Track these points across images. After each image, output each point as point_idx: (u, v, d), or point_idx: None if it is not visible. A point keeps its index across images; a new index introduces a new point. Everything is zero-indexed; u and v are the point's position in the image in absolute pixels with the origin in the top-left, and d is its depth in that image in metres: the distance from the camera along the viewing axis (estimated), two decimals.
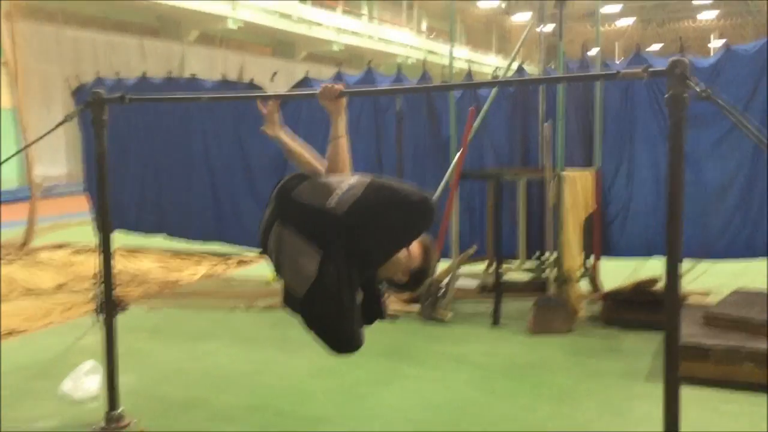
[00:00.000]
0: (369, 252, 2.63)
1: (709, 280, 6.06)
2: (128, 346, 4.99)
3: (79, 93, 7.88)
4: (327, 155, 3.03)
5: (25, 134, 9.53)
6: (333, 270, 2.52)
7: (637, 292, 5.46)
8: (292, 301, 2.65)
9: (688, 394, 3.64)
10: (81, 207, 10.49)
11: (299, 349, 4.92)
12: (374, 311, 2.89)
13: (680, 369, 2.63)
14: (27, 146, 7.58)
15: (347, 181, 2.71)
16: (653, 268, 5.88)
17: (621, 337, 5.18)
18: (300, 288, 2.55)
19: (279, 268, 2.69)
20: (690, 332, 4.29)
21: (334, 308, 2.50)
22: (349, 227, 2.58)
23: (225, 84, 7.38)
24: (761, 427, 3.54)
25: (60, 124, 3.59)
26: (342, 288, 2.52)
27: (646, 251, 6.10)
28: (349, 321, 2.53)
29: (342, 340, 2.54)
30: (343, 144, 3.01)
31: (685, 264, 5.79)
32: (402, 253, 2.85)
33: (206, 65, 22.15)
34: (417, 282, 2.95)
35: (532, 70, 8.91)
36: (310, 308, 2.54)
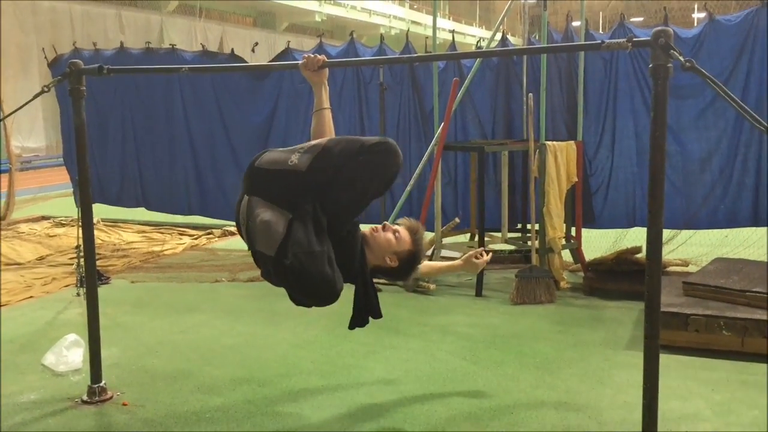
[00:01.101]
0: (339, 202, 2.66)
1: (690, 249, 6.14)
2: (111, 319, 4.99)
3: (57, 64, 7.75)
4: (312, 127, 3.03)
5: (2, 106, 9.37)
6: (299, 224, 2.56)
7: (619, 262, 5.52)
8: (266, 266, 2.67)
9: (667, 362, 3.71)
10: (61, 179, 10.41)
11: (284, 321, 4.94)
12: (371, 307, 2.93)
13: (660, 337, 2.67)
14: (4, 117, 7.46)
15: (307, 144, 2.75)
16: (635, 238, 5.95)
17: (602, 307, 5.24)
18: (271, 249, 2.58)
19: (250, 238, 2.70)
20: (670, 301, 4.34)
21: (305, 256, 2.51)
22: (314, 181, 2.63)
23: (205, 55, 7.29)
24: (739, 394, 3.61)
25: (37, 95, 3.53)
26: (310, 237, 2.54)
27: (629, 222, 6.16)
28: (322, 264, 2.52)
29: (319, 286, 2.53)
30: (328, 115, 3.01)
31: (666, 233, 5.85)
32: (389, 236, 2.90)
33: (186, 36, 21.85)
34: (408, 267, 2.97)
35: (516, 41, 8.87)
36: (282, 263, 2.55)
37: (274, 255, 2.58)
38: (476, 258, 3.21)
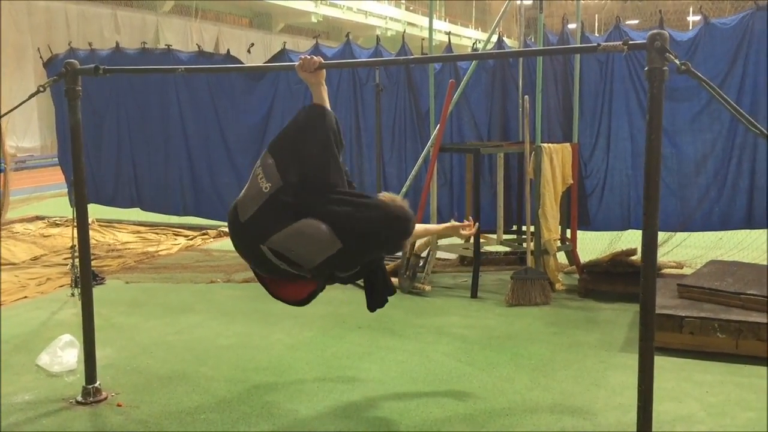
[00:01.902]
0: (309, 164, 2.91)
1: (685, 251, 6.16)
2: (106, 320, 4.98)
3: (52, 64, 7.73)
4: None
5: None
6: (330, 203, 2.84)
7: (614, 264, 5.52)
8: (329, 269, 2.87)
9: (662, 364, 3.73)
10: (56, 179, 10.38)
11: (279, 322, 4.93)
12: (387, 284, 3.06)
13: (655, 339, 2.68)
14: None
15: (255, 167, 2.91)
16: (630, 240, 5.96)
17: (597, 309, 5.25)
18: (333, 244, 2.80)
19: (299, 262, 2.83)
20: (664, 303, 4.35)
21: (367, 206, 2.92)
22: (295, 181, 2.85)
23: (201, 56, 7.28)
24: (733, 396, 3.62)
25: (32, 95, 3.53)
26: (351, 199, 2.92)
27: (624, 224, 6.17)
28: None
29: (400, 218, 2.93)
30: None
31: (661, 236, 5.86)
32: None
33: (181, 37, 21.79)
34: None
35: (512, 43, 8.88)
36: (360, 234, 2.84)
37: (342, 244, 2.75)
38: (463, 230, 3.31)
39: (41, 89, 3.47)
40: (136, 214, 8.38)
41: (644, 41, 2.48)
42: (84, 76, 3.51)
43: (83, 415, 3.50)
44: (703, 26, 5.72)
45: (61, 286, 5.98)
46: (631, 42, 2.58)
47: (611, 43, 2.61)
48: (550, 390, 3.75)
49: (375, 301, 3.15)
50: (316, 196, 2.79)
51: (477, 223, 3.46)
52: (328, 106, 3.03)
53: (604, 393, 3.70)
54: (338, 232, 2.76)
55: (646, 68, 2.50)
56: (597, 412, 3.46)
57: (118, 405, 3.59)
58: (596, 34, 6.21)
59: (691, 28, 6.08)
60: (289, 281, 2.94)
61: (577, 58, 5.99)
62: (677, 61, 2.41)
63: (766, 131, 2.40)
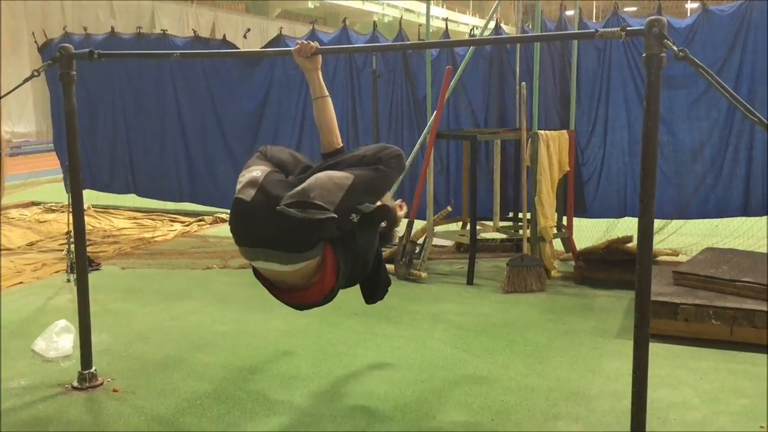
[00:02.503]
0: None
1: (681, 239, 6.17)
2: (102, 306, 4.98)
3: (47, 49, 7.68)
4: (315, 117, 3.04)
5: None
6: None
7: (610, 251, 5.53)
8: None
9: (657, 351, 3.74)
10: (51, 165, 10.34)
11: (275, 308, 4.89)
12: (386, 276, 3.06)
13: (650, 326, 2.68)
14: None
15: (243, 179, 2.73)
16: (626, 227, 5.97)
17: (593, 296, 5.26)
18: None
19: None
20: (660, 290, 4.37)
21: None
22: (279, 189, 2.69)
23: (197, 41, 7.24)
24: (727, 383, 3.64)
25: (27, 80, 3.50)
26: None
27: (620, 211, 6.18)
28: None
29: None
30: (328, 103, 3.01)
31: (657, 223, 5.88)
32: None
33: (177, 22, 21.64)
34: (393, 225, 3.12)
35: (510, 30, 8.85)
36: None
37: (353, 176, 2.67)
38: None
39: (35, 74, 3.45)
40: (131, 200, 8.36)
41: (642, 28, 2.47)
42: (79, 60, 3.49)
43: (79, 401, 3.51)
44: (701, 13, 5.70)
45: (57, 272, 5.97)
46: (629, 28, 2.57)
47: (609, 30, 2.60)
48: (546, 376, 3.76)
49: (379, 294, 3.13)
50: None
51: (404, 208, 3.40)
52: (325, 92, 3.01)
53: (599, 379, 3.71)
54: (345, 168, 2.69)
55: (643, 55, 2.49)
56: (592, 398, 3.48)
57: (114, 390, 3.60)
58: (594, 21, 6.18)
59: (689, 15, 6.05)
60: (304, 287, 2.79)
61: (574, 45, 5.97)
62: (675, 48, 2.40)
63: (763, 119, 2.39)
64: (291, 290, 2.82)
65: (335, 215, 2.55)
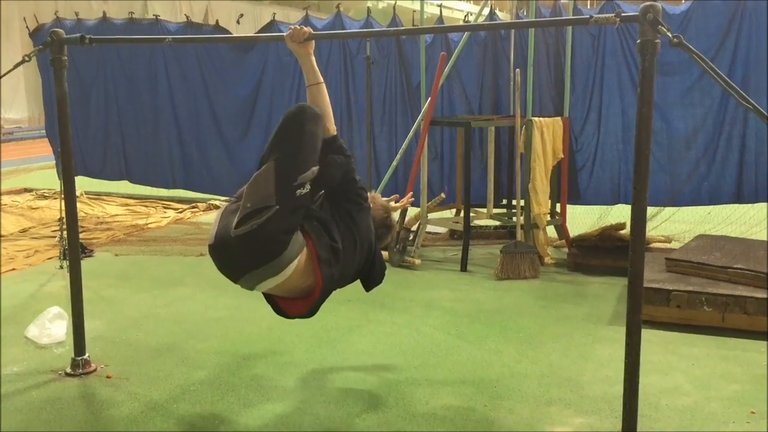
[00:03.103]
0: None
1: (673, 226, 6.19)
2: (95, 292, 4.97)
3: (38, 34, 7.61)
4: (308, 103, 3.01)
5: None
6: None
7: (603, 238, 5.55)
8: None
9: (649, 337, 3.76)
10: (43, 152, 10.29)
11: None
12: (380, 271, 3.11)
13: (642, 313, 2.69)
14: None
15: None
16: (619, 214, 5.99)
17: (586, 283, 5.28)
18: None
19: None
20: (652, 277, 4.38)
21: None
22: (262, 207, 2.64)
23: (190, 26, 7.18)
24: (719, 369, 3.66)
25: (17, 65, 3.47)
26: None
27: (614, 198, 6.19)
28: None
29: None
30: (321, 90, 2.98)
31: (650, 210, 5.88)
32: (381, 200, 3.17)
33: (170, 7, 21.45)
34: (390, 225, 3.18)
35: (504, 16, 8.82)
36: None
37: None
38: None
39: (26, 59, 3.43)
40: (124, 186, 8.33)
41: (637, 14, 2.46)
42: (70, 45, 3.46)
43: (72, 387, 3.51)
44: (695, 0, 5.69)
45: (50, 259, 5.95)
46: (623, 14, 2.56)
47: (603, 15, 2.59)
48: (538, 362, 3.78)
49: (377, 280, 3.13)
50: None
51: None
52: (319, 78, 2.99)
53: (591, 365, 3.73)
54: (268, 159, 2.66)
55: (638, 41, 2.48)
56: (584, 384, 3.50)
57: (108, 377, 3.60)
58: (589, 8, 6.16)
59: (683, 1, 6.04)
60: (296, 298, 2.84)
61: (568, 32, 5.95)
62: (669, 34, 2.39)
63: (757, 106, 2.39)
64: (307, 294, 2.83)
65: (278, 206, 2.53)
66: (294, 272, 2.66)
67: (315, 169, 2.66)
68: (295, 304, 2.88)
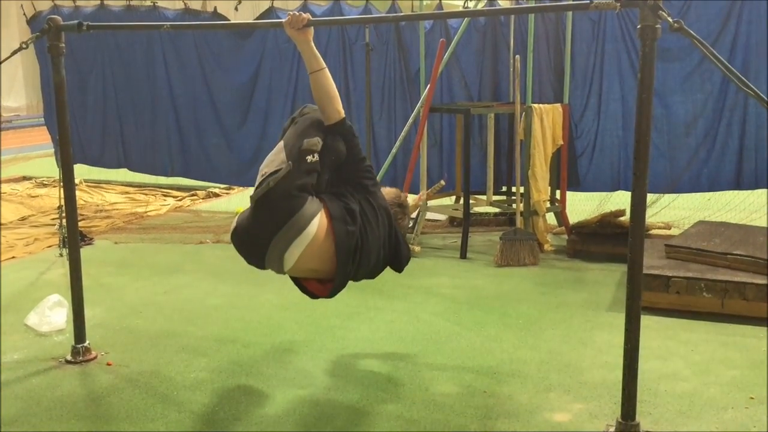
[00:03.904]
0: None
1: (673, 212, 6.19)
2: (95, 280, 4.98)
3: (36, 21, 7.56)
4: (312, 92, 3.03)
5: None
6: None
7: (603, 224, 5.55)
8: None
9: (648, 323, 3.76)
10: (42, 139, 10.28)
11: (269, 282, 4.93)
12: (406, 249, 3.20)
13: (642, 299, 2.70)
14: None
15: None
16: (619, 201, 5.98)
17: (585, 269, 5.29)
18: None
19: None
20: (652, 263, 4.38)
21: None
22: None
23: (188, 13, 7.13)
24: (718, 354, 3.67)
25: (15, 52, 3.46)
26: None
27: (613, 185, 6.18)
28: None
29: None
30: (324, 76, 2.98)
31: (650, 197, 5.88)
32: (390, 189, 3.30)
33: None
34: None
35: (504, 2, 8.78)
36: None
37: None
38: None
39: (24, 46, 3.40)
40: (123, 174, 8.31)
41: None
42: (67, 32, 3.44)
43: (73, 374, 3.51)
44: None
45: (49, 247, 5.95)
46: None
47: (604, 1, 2.58)
48: (537, 349, 3.79)
49: (404, 260, 3.22)
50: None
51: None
52: (321, 64, 2.99)
53: (590, 351, 3.74)
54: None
55: (638, 26, 2.47)
56: (583, 370, 3.50)
57: (108, 364, 3.61)
58: None
59: None
60: (324, 275, 2.96)
61: (568, 17, 5.92)
62: (670, 19, 2.38)
63: (758, 91, 2.38)
64: (329, 272, 2.93)
65: (291, 163, 2.76)
66: (318, 230, 2.77)
67: (320, 139, 2.87)
68: (323, 285, 3.02)
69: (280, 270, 2.89)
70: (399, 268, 3.23)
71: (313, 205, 2.79)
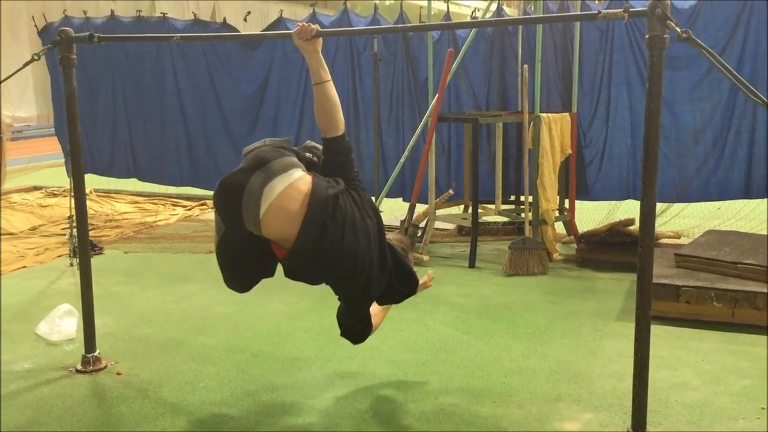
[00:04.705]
0: None
1: (682, 221, 6.17)
2: (105, 289, 5.00)
3: (47, 32, 7.65)
4: (314, 103, 3.01)
5: None
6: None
7: (612, 233, 5.54)
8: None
9: (658, 332, 3.74)
10: (52, 149, 10.33)
11: (278, 291, 4.95)
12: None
13: (651, 308, 2.69)
14: None
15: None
16: (628, 210, 5.97)
17: (595, 278, 5.27)
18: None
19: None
20: (661, 272, 4.37)
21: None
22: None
23: (197, 24, 7.19)
24: (728, 364, 3.65)
25: (27, 63, 3.48)
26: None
27: (622, 194, 6.17)
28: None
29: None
30: (328, 89, 2.96)
31: (659, 206, 5.86)
32: None
33: (177, 5, 21.47)
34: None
35: (512, 12, 8.79)
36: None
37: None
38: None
39: (35, 57, 3.44)
40: (133, 184, 8.36)
41: (645, 9, 2.45)
42: (79, 43, 3.47)
43: (83, 384, 3.53)
44: None
45: (60, 256, 5.98)
46: (632, 9, 2.55)
47: (612, 11, 2.58)
48: (547, 358, 3.78)
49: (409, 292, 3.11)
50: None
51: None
52: (326, 76, 2.98)
53: (600, 361, 3.73)
54: None
55: (646, 36, 2.48)
56: (593, 379, 3.49)
57: (118, 373, 3.62)
58: (597, 2, 6.13)
59: None
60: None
61: (576, 26, 5.93)
62: (678, 29, 2.39)
63: (765, 100, 2.38)
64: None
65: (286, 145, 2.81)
66: (299, 181, 2.67)
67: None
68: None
69: (256, 214, 2.65)
70: (395, 299, 3.10)
71: (300, 166, 2.74)
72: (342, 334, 3.08)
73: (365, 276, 2.80)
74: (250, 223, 2.68)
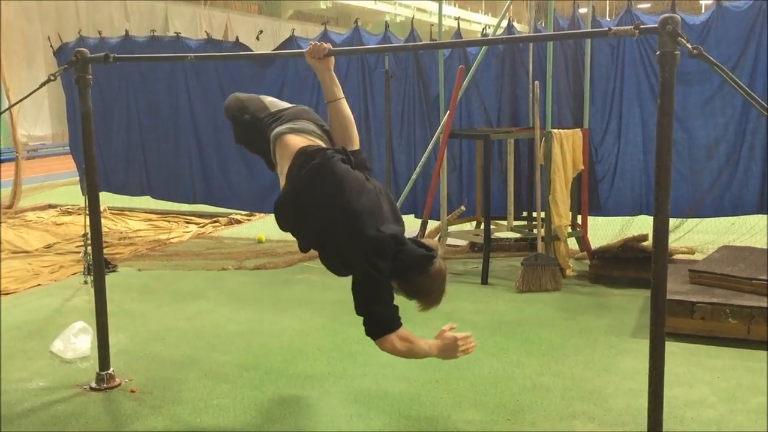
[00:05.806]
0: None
1: (696, 237, 6.13)
2: (119, 306, 5.02)
3: (62, 52, 7.75)
4: (329, 120, 3.05)
5: (8, 94, 9.38)
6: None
7: (625, 249, 5.51)
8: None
9: (673, 349, 3.72)
10: (67, 168, 10.44)
11: (290, 308, 4.96)
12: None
13: (666, 324, 2.67)
14: (11, 106, 7.46)
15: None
16: (641, 225, 5.94)
17: (608, 294, 5.24)
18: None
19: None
20: (676, 289, 4.34)
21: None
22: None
23: (210, 43, 7.27)
24: (744, 381, 3.62)
25: (43, 84, 3.53)
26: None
27: (635, 209, 6.15)
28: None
29: None
30: (342, 106, 3.00)
31: (673, 221, 5.82)
32: None
33: (190, 24, 21.76)
34: None
35: (522, 28, 8.82)
36: None
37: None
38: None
39: (52, 78, 3.48)
40: (147, 201, 8.42)
41: (656, 25, 2.45)
42: (94, 64, 3.52)
43: (97, 401, 3.54)
44: (715, 9, 5.66)
45: (74, 274, 6.02)
46: (642, 26, 2.56)
47: (622, 27, 2.59)
48: (561, 375, 3.76)
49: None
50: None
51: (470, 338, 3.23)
52: (339, 94, 3.01)
53: (614, 378, 3.70)
54: None
55: (657, 52, 2.48)
56: (608, 397, 3.47)
57: (132, 391, 3.63)
58: (607, 19, 6.15)
59: (703, 11, 6.01)
60: None
61: (588, 43, 5.94)
62: (689, 45, 2.39)
63: None
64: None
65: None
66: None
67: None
68: None
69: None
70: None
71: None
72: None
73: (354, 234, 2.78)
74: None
